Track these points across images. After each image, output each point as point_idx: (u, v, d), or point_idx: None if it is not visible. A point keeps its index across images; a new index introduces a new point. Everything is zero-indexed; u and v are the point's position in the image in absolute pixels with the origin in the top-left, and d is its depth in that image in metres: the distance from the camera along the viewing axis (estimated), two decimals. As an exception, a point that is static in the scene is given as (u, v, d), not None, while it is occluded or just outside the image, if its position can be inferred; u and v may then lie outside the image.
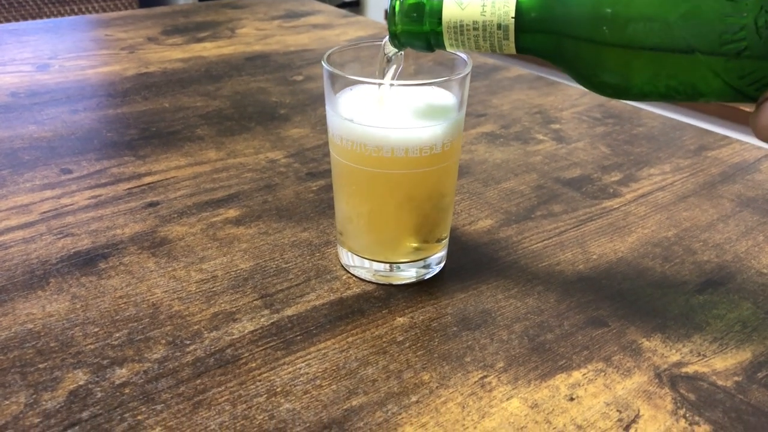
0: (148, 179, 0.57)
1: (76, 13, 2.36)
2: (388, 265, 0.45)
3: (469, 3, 0.36)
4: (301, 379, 0.37)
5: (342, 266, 0.47)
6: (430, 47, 0.39)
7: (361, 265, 0.45)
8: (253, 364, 0.38)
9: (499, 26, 0.36)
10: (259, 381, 0.37)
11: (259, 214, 0.53)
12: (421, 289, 0.45)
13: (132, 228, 0.50)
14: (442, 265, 0.47)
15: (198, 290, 0.44)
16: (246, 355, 0.38)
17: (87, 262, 0.46)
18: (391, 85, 0.41)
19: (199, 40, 0.97)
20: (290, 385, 0.36)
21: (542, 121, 0.72)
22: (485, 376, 0.37)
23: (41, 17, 2.30)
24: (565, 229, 0.52)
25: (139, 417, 0.34)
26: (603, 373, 0.38)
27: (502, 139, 0.67)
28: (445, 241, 0.46)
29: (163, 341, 0.39)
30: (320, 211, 0.53)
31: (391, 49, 0.41)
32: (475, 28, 0.37)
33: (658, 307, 0.43)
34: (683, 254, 0.49)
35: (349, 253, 0.46)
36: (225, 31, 1.01)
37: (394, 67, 0.42)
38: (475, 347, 0.40)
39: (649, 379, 0.38)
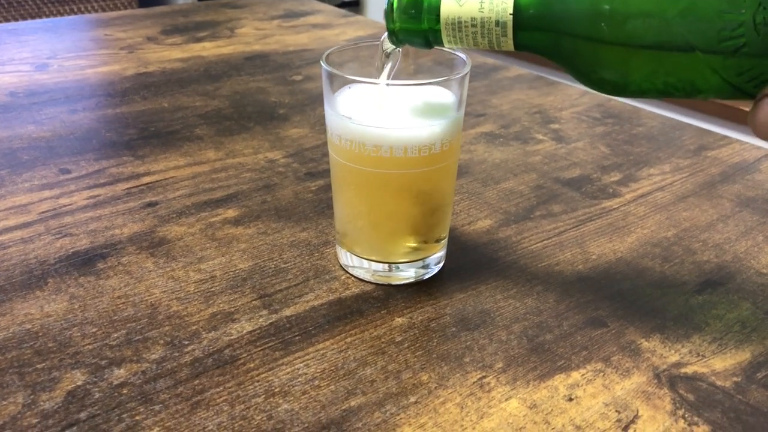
0: (146, 179, 0.57)
1: (75, 13, 2.36)
2: (387, 265, 0.45)
3: (467, 0, 0.36)
4: (300, 379, 0.37)
5: (341, 266, 0.46)
6: (428, 44, 0.39)
7: (360, 266, 0.45)
8: (252, 365, 0.38)
9: (497, 23, 0.36)
10: (258, 381, 0.37)
11: (257, 214, 0.53)
12: (420, 289, 0.44)
13: (130, 228, 0.50)
14: (441, 265, 0.47)
15: (196, 290, 0.44)
16: (244, 355, 0.38)
17: (85, 262, 0.46)
18: (387, 84, 0.41)
19: (199, 40, 0.97)
20: (289, 386, 0.36)
21: (542, 121, 0.72)
22: (484, 377, 0.37)
23: (40, 17, 2.30)
24: (564, 230, 0.52)
25: (137, 417, 0.34)
26: (602, 374, 0.38)
27: (502, 138, 0.67)
28: (444, 242, 0.46)
29: (162, 341, 0.39)
30: (319, 211, 0.53)
31: (389, 46, 0.41)
32: (473, 25, 0.37)
33: (657, 307, 0.43)
34: (683, 254, 0.49)
35: (348, 254, 0.45)
36: (224, 31, 1.01)
37: (392, 63, 0.42)
38: (474, 347, 0.40)
39: (648, 380, 0.37)
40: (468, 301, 0.43)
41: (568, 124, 0.71)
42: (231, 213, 0.53)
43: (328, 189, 0.56)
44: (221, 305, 0.42)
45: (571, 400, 0.36)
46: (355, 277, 0.45)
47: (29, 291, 0.43)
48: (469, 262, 0.47)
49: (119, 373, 0.37)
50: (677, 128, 0.71)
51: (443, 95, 0.42)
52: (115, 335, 0.40)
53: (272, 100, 0.75)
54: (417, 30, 0.38)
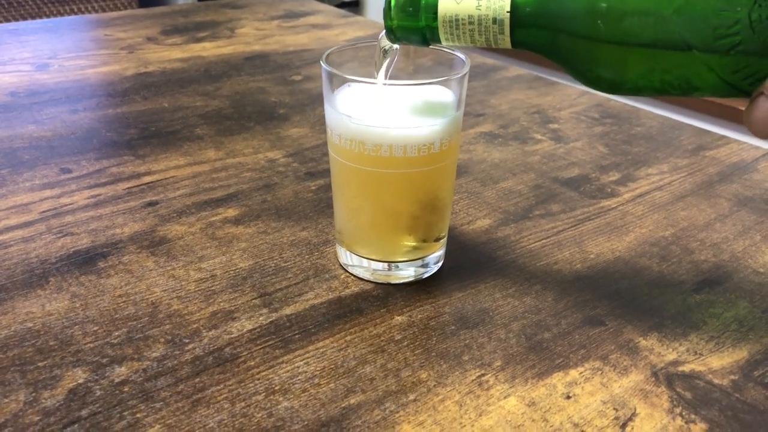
0: (147, 179, 0.57)
1: (75, 13, 2.36)
2: (386, 264, 0.45)
3: None
4: (300, 377, 0.37)
5: (340, 265, 0.47)
6: (425, 42, 0.39)
7: (360, 264, 0.45)
8: (252, 363, 0.38)
9: (494, 20, 0.36)
10: (258, 379, 0.37)
11: (258, 214, 0.53)
12: (420, 288, 0.45)
13: (131, 227, 0.50)
14: (440, 264, 0.47)
15: (197, 289, 0.44)
16: (245, 353, 0.39)
17: (86, 261, 0.46)
18: (384, 84, 0.42)
19: (199, 40, 0.97)
20: (289, 384, 0.37)
21: (540, 121, 0.72)
22: (483, 375, 0.38)
23: (41, 17, 2.31)
24: (562, 229, 0.52)
25: (138, 415, 0.34)
26: (600, 372, 0.38)
27: (501, 138, 0.67)
28: (444, 241, 0.47)
29: (162, 340, 0.39)
30: (319, 210, 0.54)
31: (386, 43, 0.41)
32: (470, 23, 0.37)
33: (655, 306, 0.44)
34: (680, 254, 0.49)
35: (348, 253, 0.46)
36: (224, 31, 1.02)
37: (390, 61, 0.42)
38: (473, 346, 0.40)
39: (646, 378, 0.38)
40: (467, 300, 0.44)
41: (566, 124, 0.71)
42: (231, 212, 0.53)
43: (327, 188, 0.56)
44: (222, 304, 0.43)
45: (569, 398, 0.36)
46: (354, 276, 0.46)
47: (31, 290, 0.43)
48: (468, 261, 0.48)
49: (120, 371, 0.37)
50: (675, 128, 0.71)
51: (443, 94, 0.42)
52: (116, 333, 0.40)
53: (272, 100, 0.76)
54: (414, 27, 0.39)
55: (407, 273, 0.45)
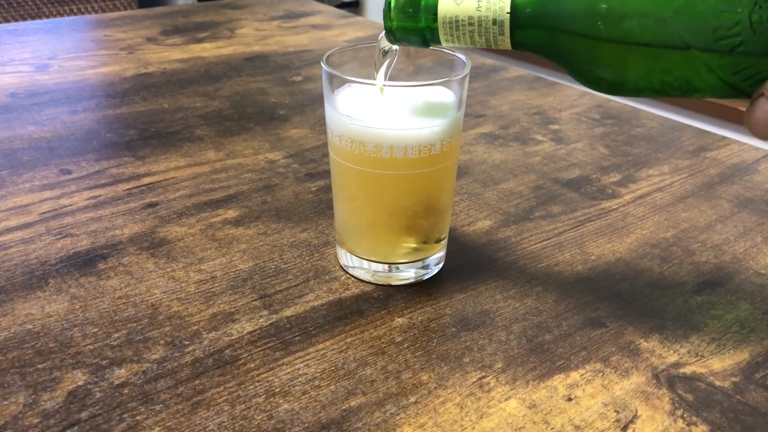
0: (147, 180, 0.57)
1: (75, 14, 2.36)
2: (386, 266, 0.45)
3: None
4: (300, 379, 0.37)
5: (341, 267, 0.47)
6: (425, 43, 0.39)
7: (360, 266, 0.45)
8: (252, 365, 0.38)
9: (494, 21, 0.36)
10: (258, 381, 0.37)
11: (258, 215, 0.53)
12: (420, 289, 0.45)
13: (131, 228, 0.50)
14: (440, 265, 0.47)
15: (197, 291, 0.44)
16: (245, 355, 0.39)
17: (86, 262, 0.46)
18: (384, 86, 0.42)
19: (199, 41, 0.97)
20: (289, 386, 0.37)
21: (541, 122, 0.72)
22: (483, 377, 0.38)
23: (40, 17, 2.30)
24: (563, 230, 0.52)
25: (138, 417, 0.34)
26: (601, 374, 0.38)
27: (501, 139, 0.67)
28: (444, 242, 0.46)
29: (162, 342, 0.39)
30: (319, 211, 0.53)
31: (386, 44, 0.41)
32: (470, 24, 0.37)
33: (656, 307, 0.44)
34: (681, 255, 0.49)
35: (348, 254, 0.46)
36: (224, 32, 1.01)
37: (389, 62, 0.42)
38: (474, 348, 0.40)
39: (647, 380, 0.38)
40: (468, 302, 0.44)
41: (567, 125, 0.71)
42: (231, 213, 0.53)
43: (328, 190, 0.56)
44: (222, 305, 0.43)
45: (570, 400, 0.36)
46: (355, 277, 0.46)
47: (30, 291, 0.43)
48: (469, 263, 0.48)
49: (120, 373, 0.37)
50: (676, 129, 0.71)
51: (443, 95, 0.42)
52: (116, 335, 0.40)
53: (272, 101, 0.76)
54: (414, 28, 0.39)
55: (408, 274, 0.45)
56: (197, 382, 0.37)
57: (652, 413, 0.35)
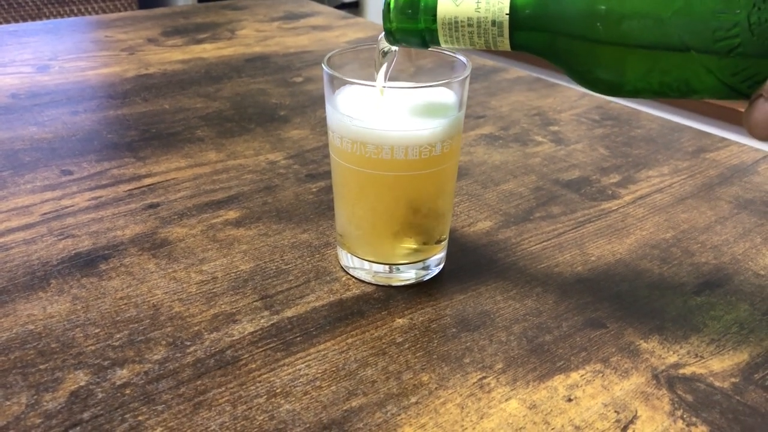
0: (148, 181, 0.58)
1: (75, 14, 2.36)
2: (387, 267, 0.45)
3: (464, 0, 0.37)
4: (301, 380, 0.37)
5: (341, 268, 0.47)
6: (424, 44, 0.39)
7: (361, 267, 0.45)
8: (253, 365, 0.38)
9: (493, 23, 0.36)
10: (259, 382, 0.37)
11: (259, 216, 0.53)
12: (421, 290, 0.45)
13: (132, 229, 0.50)
14: (441, 266, 0.47)
15: (198, 291, 0.44)
16: (246, 356, 0.39)
17: (88, 263, 0.46)
18: (383, 87, 0.42)
19: (199, 42, 0.97)
20: (290, 386, 0.37)
21: (541, 123, 0.72)
22: (484, 377, 0.38)
23: (41, 18, 2.31)
24: (563, 231, 0.52)
25: (140, 418, 0.34)
26: (601, 374, 0.38)
27: (501, 140, 0.68)
28: (445, 243, 0.47)
29: (164, 342, 0.39)
30: (320, 212, 0.54)
31: (386, 46, 0.41)
32: (469, 25, 0.37)
33: (655, 308, 0.44)
34: (681, 256, 0.49)
35: (349, 255, 0.46)
36: (225, 33, 1.02)
37: (389, 63, 0.42)
38: (474, 348, 0.40)
39: (647, 380, 0.38)
40: (468, 302, 0.44)
41: (567, 126, 0.71)
42: (232, 214, 0.53)
43: (328, 190, 0.56)
44: (223, 306, 0.43)
45: (570, 400, 0.36)
46: (355, 278, 0.46)
47: (32, 292, 0.43)
48: (469, 264, 0.48)
49: (122, 374, 0.37)
50: (676, 130, 0.71)
51: (444, 96, 0.42)
52: (118, 336, 0.40)
53: (273, 102, 0.76)
54: (414, 30, 0.39)
55: (408, 275, 0.45)
56: (199, 382, 0.37)
57: (652, 414, 0.36)
